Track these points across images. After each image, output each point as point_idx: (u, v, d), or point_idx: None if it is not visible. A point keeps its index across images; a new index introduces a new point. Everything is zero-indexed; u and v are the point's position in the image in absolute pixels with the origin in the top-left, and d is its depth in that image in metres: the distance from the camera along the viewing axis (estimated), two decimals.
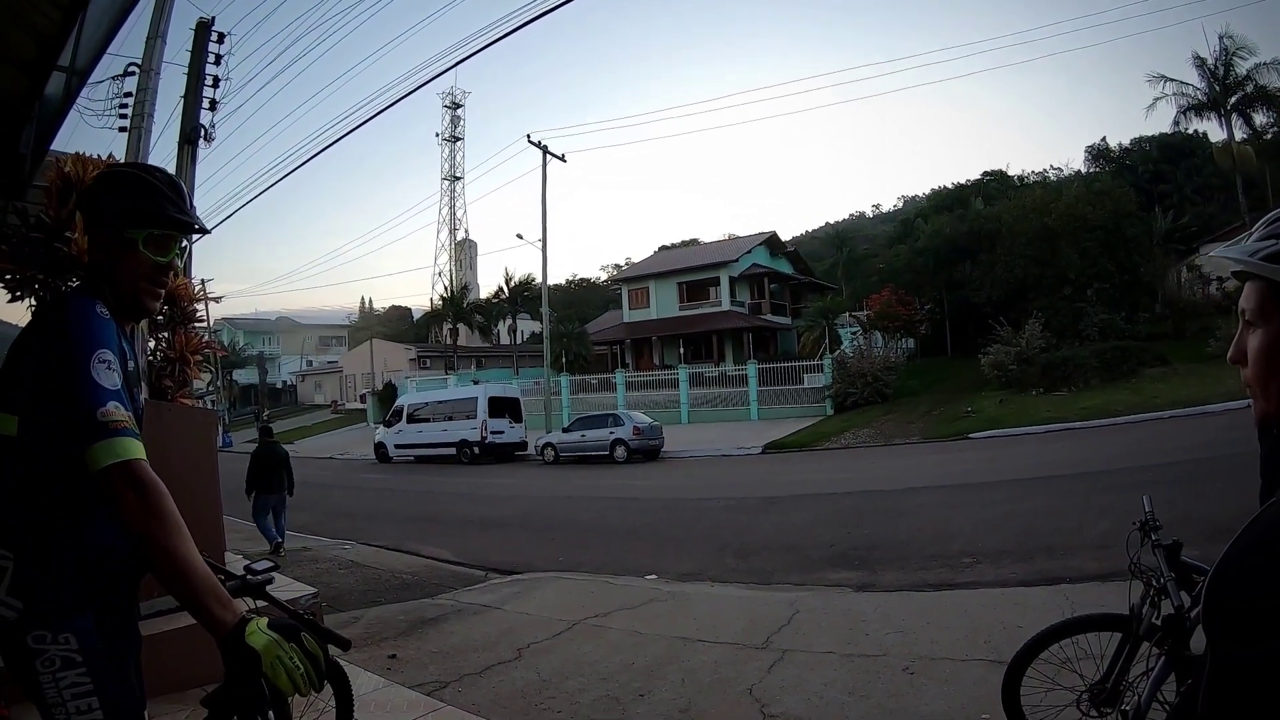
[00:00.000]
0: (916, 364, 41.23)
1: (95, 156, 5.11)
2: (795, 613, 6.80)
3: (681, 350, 49.84)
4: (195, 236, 2.21)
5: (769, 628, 6.37)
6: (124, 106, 9.11)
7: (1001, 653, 3.89)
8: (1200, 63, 40.29)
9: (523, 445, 31.78)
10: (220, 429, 44.24)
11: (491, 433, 30.82)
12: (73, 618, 1.91)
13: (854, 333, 41.29)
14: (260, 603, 2.42)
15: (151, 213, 2.07)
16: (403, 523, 14.75)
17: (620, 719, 4.67)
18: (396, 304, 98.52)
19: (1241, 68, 39.70)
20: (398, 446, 33.51)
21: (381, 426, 35.88)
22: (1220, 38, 39.69)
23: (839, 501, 13.87)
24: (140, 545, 1.72)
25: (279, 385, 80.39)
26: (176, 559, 1.71)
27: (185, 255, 3.63)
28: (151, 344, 5.50)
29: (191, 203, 2.19)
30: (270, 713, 2.42)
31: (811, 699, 4.78)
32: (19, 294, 4.87)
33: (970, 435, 24.12)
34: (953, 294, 41.83)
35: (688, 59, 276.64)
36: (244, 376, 73.07)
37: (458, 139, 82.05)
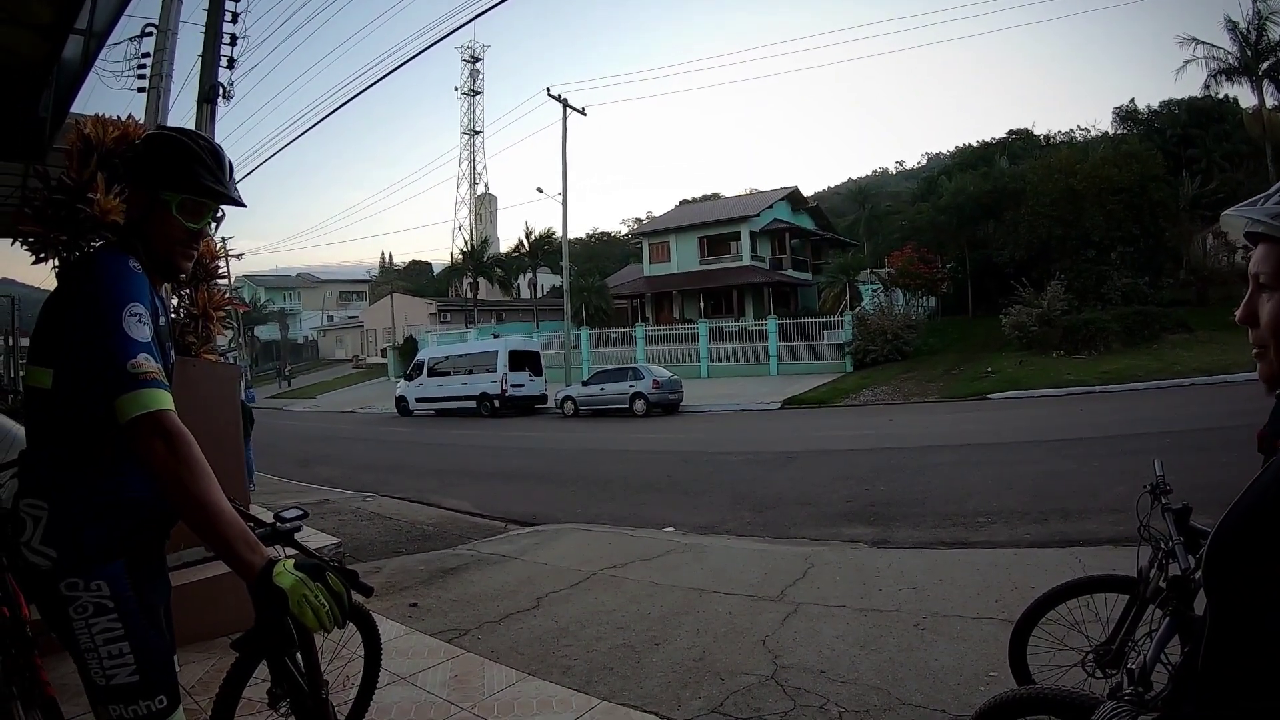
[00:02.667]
0: (937, 323, 41.05)
1: (115, 118, 5.15)
2: (810, 567, 6.89)
3: (702, 305, 49.79)
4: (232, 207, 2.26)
5: (784, 581, 6.46)
6: (142, 67, 9.11)
7: (1012, 611, 3.94)
8: (1232, 26, 39.15)
9: (542, 398, 31.97)
10: (244, 384, 44.53)
11: (511, 386, 30.95)
12: (105, 565, 1.98)
13: (875, 290, 41.15)
14: (289, 550, 2.49)
15: (187, 179, 2.12)
16: (424, 475, 14.90)
17: (636, 667, 4.75)
18: (417, 258, 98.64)
19: (1275, 32, 38.47)
20: (418, 400, 33.78)
21: (402, 380, 36.08)
22: (1254, 1, 38.78)
23: (856, 458, 13.93)
24: (170, 493, 1.76)
25: (300, 341, 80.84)
26: (206, 505, 1.75)
27: (219, 222, 3.64)
28: (175, 300, 5.55)
29: (232, 174, 2.25)
30: (298, 655, 2.52)
31: (823, 651, 4.87)
32: (43, 255, 4.92)
33: (989, 395, 24.14)
34: (975, 253, 41.55)
35: (710, 9, 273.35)
36: (265, 332, 73.52)
37: (477, 93, 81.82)
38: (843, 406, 25.99)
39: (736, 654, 4.89)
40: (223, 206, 2.39)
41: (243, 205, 2.27)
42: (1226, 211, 1.42)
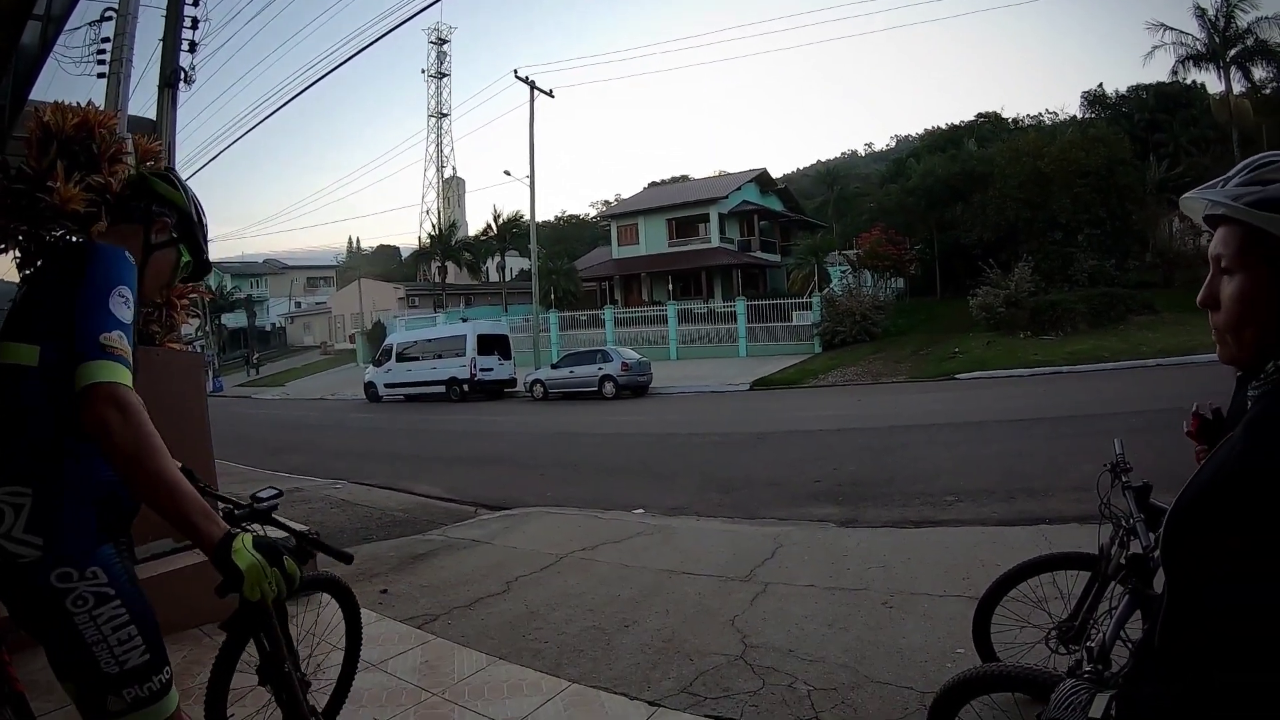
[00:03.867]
0: (905, 304, 41.28)
1: (75, 104, 5.06)
2: (779, 547, 6.91)
3: (670, 287, 49.82)
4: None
5: (753, 561, 6.48)
6: (102, 52, 8.92)
7: (979, 589, 3.98)
8: (1201, 13, 39.69)
9: (512, 382, 31.89)
10: (211, 373, 44.38)
11: (480, 370, 30.86)
12: (97, 551, 1.94)
13: (843, 271, 41.34)
14: (269, 528, 2.49)
15: (201, 248, 2.42)
16: (393, 461, 14.83)
17: (606, 649, 4.76)
18: (384, 243, 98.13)
19: (1243, 20, 39.12)
20: (387, 386, 33.59)
21: (371, 366, 35.87)
22: None
23: (825, 438, 14.01)
24: (124, 465, 1.74)
25: (268, 328, 79.76)
26: (163, 478, 1.74)
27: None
28: None
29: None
30: (275, 631, 2.54)
31: (792, 630, 4.89)
32: (2, 246, 4.84)
33: (957, 376, 24.39)
34: (943, 235, 41.81)
35: None
36: (232, 320, 72.48)
37: (444, 75, 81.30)
38: (811, 387, 26.19)
39: (706, 634, 4.91)
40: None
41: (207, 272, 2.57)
42: (1186, 194, 1.43)
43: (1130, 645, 2.67)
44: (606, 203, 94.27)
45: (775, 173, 63.34)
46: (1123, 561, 3.01)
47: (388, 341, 36.05)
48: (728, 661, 4.47)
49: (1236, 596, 1.27)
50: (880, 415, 16.76)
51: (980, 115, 63.07)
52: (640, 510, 9.12)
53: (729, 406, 22.06)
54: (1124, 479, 3.16)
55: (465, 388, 30.71)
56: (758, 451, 13.33)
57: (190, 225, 2.31)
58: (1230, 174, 1.37)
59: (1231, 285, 1.35)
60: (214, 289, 64.15)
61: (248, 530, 1.92)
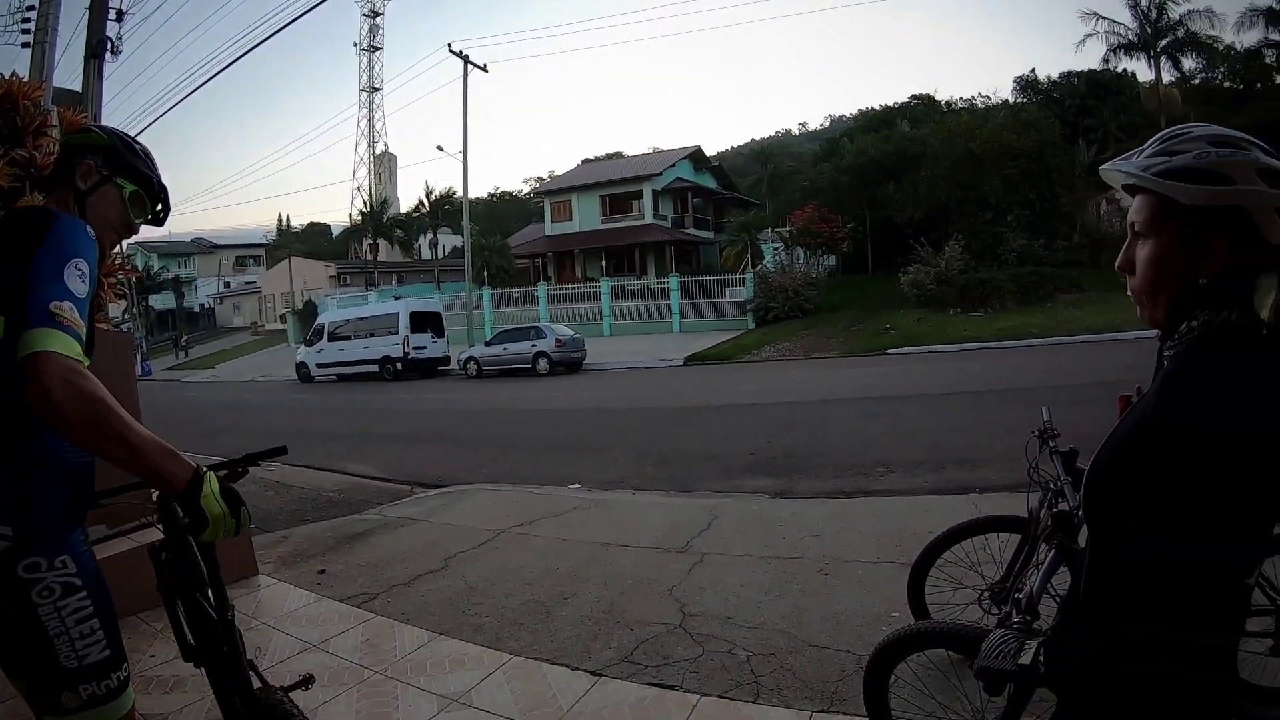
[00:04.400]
0: (837, 280, 41.67)
1: None
2: (714, 518, 6.97)
3: (604, 263, 49.73)
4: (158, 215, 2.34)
5: (689, 532, 6.52)
6: (26, 21, 8.66)
7: (911, 555, 4.06)
8: (1134, 3, 40.98)
9: (445, 360, 31.63)
10: (139, 356, 43.31)
11: (414, 348, 30.58)
12: (67, 538, 1.88)
13: (776, 249, 41.61)
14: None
15: (147, 176, 2.24)
16: (327, 441, 14.61)
17: (546, 621, 4.76)
18: (315, 220, 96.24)
19: (1175, 12, 40.47)
20: (319, 366, 33.01)
21: (302, 346, 35.18)
22: None
23: (759, 412, 14.12)
24: (84, 437, 1.65)
25: (196, 309, 77.87)
26: (127, 439, 1.67)
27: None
28: None
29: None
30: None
31: (729, 598, 4.94)
32: None
33: (888, 351, 24.81)
34: (875, 213, 42.21)
35: None
36: (160, 301, 70.56)
37: (376, 49, 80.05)
38: (745, 363, 26.43)
39: (644, 605, 4.94)
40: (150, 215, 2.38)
41: (160, 225, 2.38)
42: (1105, 165, 1.49)
43: (1057, 599, 2.76)
44: (540, 179, 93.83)
45: (710, 150, 63.65)
46: (1050, 522, 3.10)
47: (319, 321, 35.42)
48: (667, 630, 4.50)
49: (1141, 550, 1.32)
50: (813, 389, 16.99)
51: (914, 97, 63.78)
52: (576, 485, 9.12)
53: (663, 382, 22.20)
54: (1052, 444, 3.25)
55: (398, 366, 30.41)
56: (692, 426, 13.41)
57: (119, 156, 2.19)
58: (1145, 145, 1.43)
59: (1145, 250, 1.42)
60: (141, 269, 62.62)
61: (211, 470, 1.90)
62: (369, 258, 59.64)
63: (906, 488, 7.93)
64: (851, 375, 19.43)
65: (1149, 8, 40.35)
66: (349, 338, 32.70)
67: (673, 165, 53.27)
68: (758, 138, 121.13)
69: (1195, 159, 1.35)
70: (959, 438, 10.18)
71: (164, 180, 2.31)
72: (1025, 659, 1.58)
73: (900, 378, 17.91)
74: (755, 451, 10.47)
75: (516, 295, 43.80)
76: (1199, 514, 1.26)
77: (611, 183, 53.57)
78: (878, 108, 66.67)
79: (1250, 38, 42.44)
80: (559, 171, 78.41)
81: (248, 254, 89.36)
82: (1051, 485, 3.18)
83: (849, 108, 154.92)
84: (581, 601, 5.08)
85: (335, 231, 79.06)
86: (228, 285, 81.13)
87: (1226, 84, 48.10)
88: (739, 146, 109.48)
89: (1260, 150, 1.34)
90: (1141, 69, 44.14)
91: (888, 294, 34.09)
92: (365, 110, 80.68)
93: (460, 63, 35.83)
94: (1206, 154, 1.35)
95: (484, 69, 36.65)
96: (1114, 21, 41.45)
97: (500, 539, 6.77)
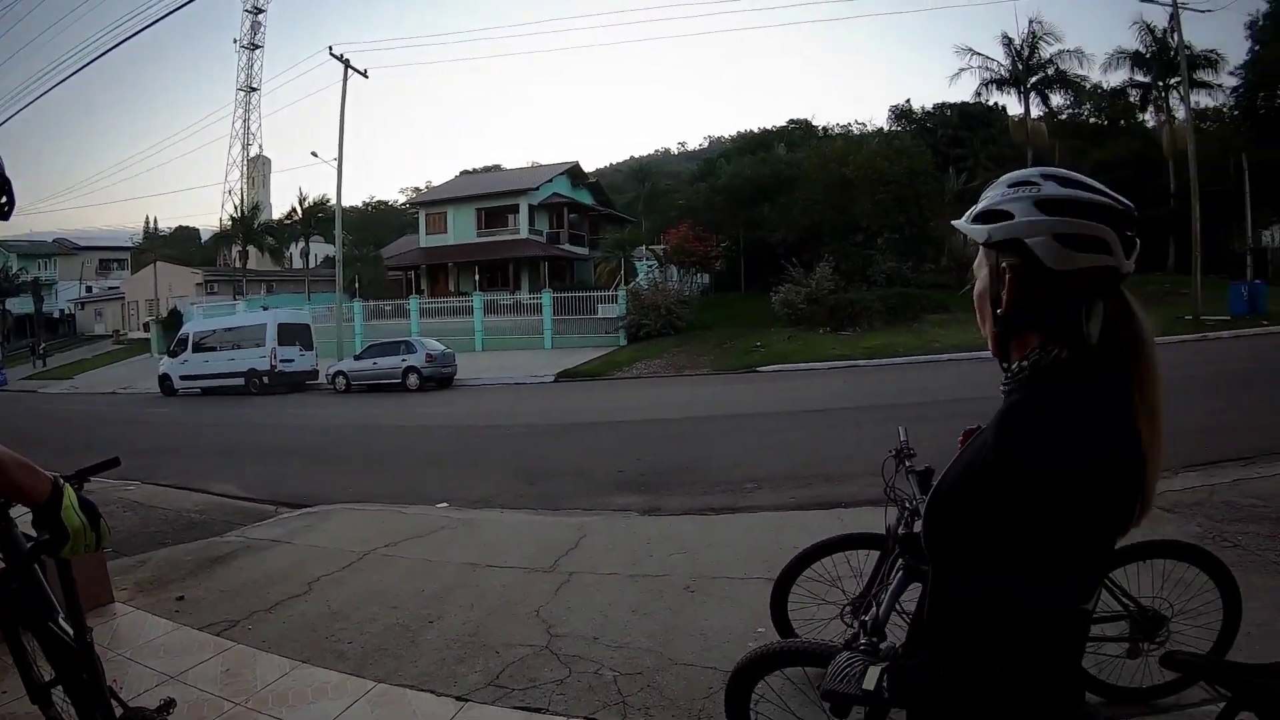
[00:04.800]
0: (710, 299, 42.30)
1: None
2: (583, 536, 6.95)
3: (477, 277, 49.23)
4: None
5: (557, 551, 6.49)
6: None
7: (778, 571, 4.15)
8: (1008, 41, 44.08)
9: (314, 374, 30.72)
10: None
11: (281, 361, 29.67)
12: None
13: (650, 266, 41.93)
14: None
15: None
16: (190, 459, 14.06)
17: (411, 646, 4.67)
18: (184, 224, 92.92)
19: (1046, 51, 43.68)
20: (183, 378, 31.62)
21: (166, 357, 33.64)
22: (1030, 21, 44.04)
23: (629, 429, 14.22)
24: None
25: (56, 315, 73.96)
26: None
27: None
28: None
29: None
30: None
31: (597, 618, 4.93)
32: None
33: (758, 369, 25.22)
34: (749, 233, 43.10)
35: None
36: (18, 305, 66.80)
37: (257, 46, 77.27)
38: (616, 379, 26.56)
39: (511, 626, 4.89)
40: None
41: (5, 219, 2.15)
42: (954, 222, 1.58)
43: (907, 617, 2.85)
44: (417, 190, 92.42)
45: (588, 166, 63.84)
46: (898, 545, 3.21)
47: (184, 330, 34.15)
48: (534, 652, 4.46)
49: (978, 589, 1.37)
50: (683, 406, 17.18)
51: (792, 121, 65.76)
52: (444, 504, 8.98)
53: (534, 398, 22.14)
54: (908, 464, 3.37)
55: (265, 380, 29.46)
56: (562, 443, 13.39)
57: None
58: (981, 196, 1.53)
59: (975, 287, 1.55)
60: None
61: (68, 483, 1.85)
62: (238, 265, 57.75)
63: (774, 503, 8.06)
64: (721, 392, 19.75)
65: (1022, 46, 43.54)
66: (214, 349, 31.57)
67: (550, 180, 53.28)
68: (637, 155, 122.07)
69: (990, 201, 1.47)
70: (826, 454, 10.43)
71: (6, 174, 2.16)
72: (869, 684, 1.62)
73: (769, 395, 18.27)
74: (624, 469, 10.50)
75: (388, 308, 43.10)
76: (1033, 551, 1.31)
77: (488, 196, 53.18)
78: (756, 130, 68.29)
79: (1117, 77, 46.43)
80: (436, 182, 77.49)
81: (112, 257, 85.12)
82: (907, 504, 3.28)
83: (728, 129, 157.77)
84: (447, 624, 5.00)
85: (204, 236, 76.23)
86: (90, 290, 76.68)
87: (1092, 119, 52.07)
88: (618, 164, 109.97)
89: (1068, 185, 1.43)
90: (1012, 103, 47.48)
91: (759, 313, 34.71)
92: (241, 110, 77.92)
93: (340, 66, 35.08)
94: (998, 195, 1.46)
95: (364, 74, 35.92)
96: (987, 57, 44.59)
97: (365, 561, 6.62)
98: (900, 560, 3.10)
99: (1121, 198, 1.43)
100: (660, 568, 5.91)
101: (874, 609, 2.99)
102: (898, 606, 2.88)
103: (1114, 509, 1.35)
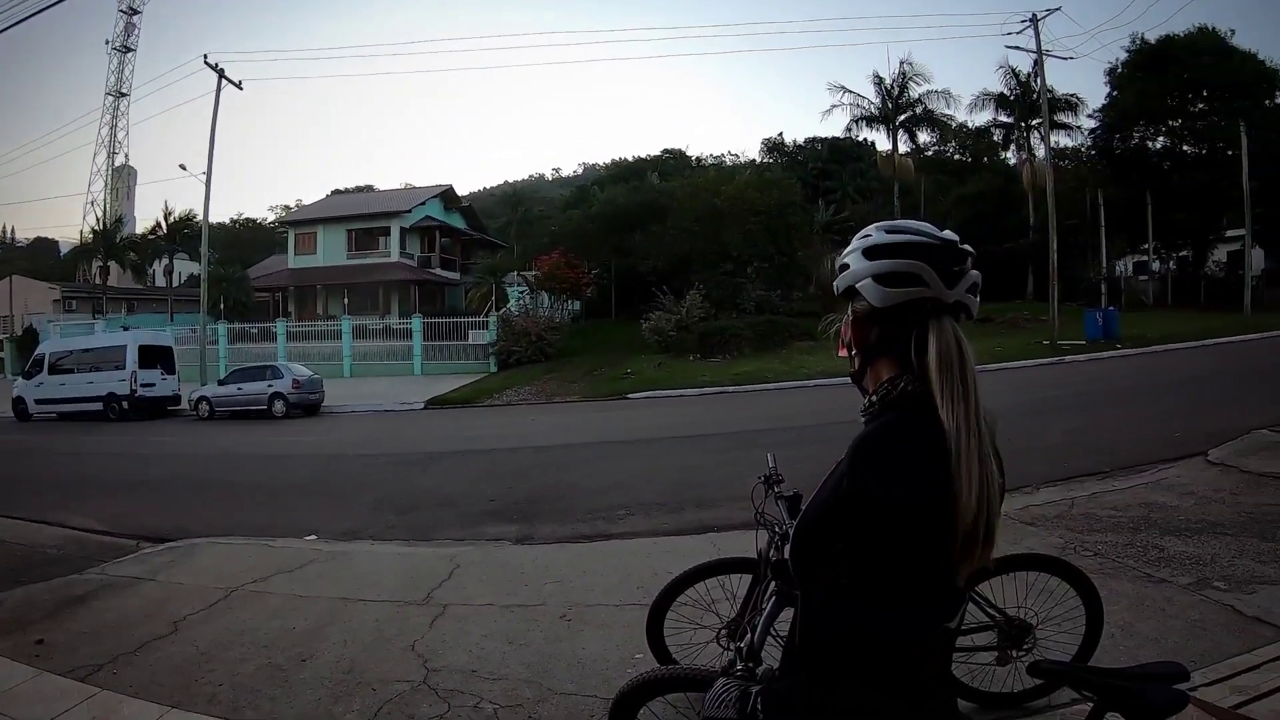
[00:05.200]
0: (581, 325, 42.60)
1: None
2: (455, 567, 6.91)
3: (347, 301, 48.31)
4: None
5: (430, 583, 6.44)
6: None
7: (654, 596, 4.23)
8: (879, 81, 46.82)
9: (176, 399, 29.25)
10: None
11: (142, 385, 28.05)
12: None
13: (521, 292, 42.01)
14: None
15: None
16: (45, 490, 13.30)
17: (284, 686, 4.55)
18: (42, 235, 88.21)
19: (915, 91, 46.47)
20: (39, 402, 29.52)
21: (20, 379, 31.48)
22: (901, 62, 46.82)
23: (499, 457, 14.13)
24: None
25: None
26: None
27: None
28: None
29: None
30: None
31: (473, 650, 4.93)
32: None
33: (629, 395, 25.42)
34: (621, 261, 43.55)
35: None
36: None
37: (129, 49, 73.53)
38: (486, 406, 26.36)
39: (386, 662, 4.84)
40: None
41: None
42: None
43: (781, 640, 2.97)
44: (287, 208, 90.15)
45: (461, 190, 63.64)
46: (769, 570, 3.33)
47: (40, 350, 31.84)
48: (411, 688, 4.43)
49: (836, 621, 1.49)
50: (554, 433, 17.18)
51: (666, 151, 67.06)
52: (313, 536, 8.77)
53: (403, 426, 21.79)
54: (776, 489, 3.50)
55: (125, 405, 27.76)
56: (432, 472, 13.23)
57: None
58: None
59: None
60: None
61: None
62: (99, 281, 55.17)
63: (647, 529, 8.18)
64: (592, 419, 19.86)
65: (892, 85, 46.31)
66: (72, 371, 29.61)
67: (423, 203, 52.87)
68: (511, 180, 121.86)
69: (842, 255, 1.67)
70: (697, 479, 10.64)
71: None
72: (745, 708, 1.72)
73: (640, 421, 18.44)
74: (496, 498, 10.46)
75: (254, 331, 41.96)
76: (883, 583, 1.42)
77: (360, 217, 52.46)
78: (630, 159, 69.39)
79: (982, 117, 49.73)
80: (307, 201, 75.50)
81: None
82: (777, 529, 3.39)
83: (603, 156, 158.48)
84: (321, 662, 4.90)
85: (64, 249, 72.23)
86: None
87: (957, 156, 55.15)
88: (491, 188, 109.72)
89: (892, 232, 1.61)
90: (881, 139, 50.62)
91: (630, 339, 35.03)
92: (109, 116, 73.90)
93: (214, 76, 33.62)
94: (848, 248, 1.66)
95: (239, 86, 34.47)
96: (859, 95, 47.36)
97: (233, 598, 6.42)
98: (773, 585, 3.22)
99: (943, 234, 1.59)
100: (535, 597, 5.93)
101: (749, 635, 3.09)
102: (772, 631, 2.99)
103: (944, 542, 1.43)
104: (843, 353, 1.71)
